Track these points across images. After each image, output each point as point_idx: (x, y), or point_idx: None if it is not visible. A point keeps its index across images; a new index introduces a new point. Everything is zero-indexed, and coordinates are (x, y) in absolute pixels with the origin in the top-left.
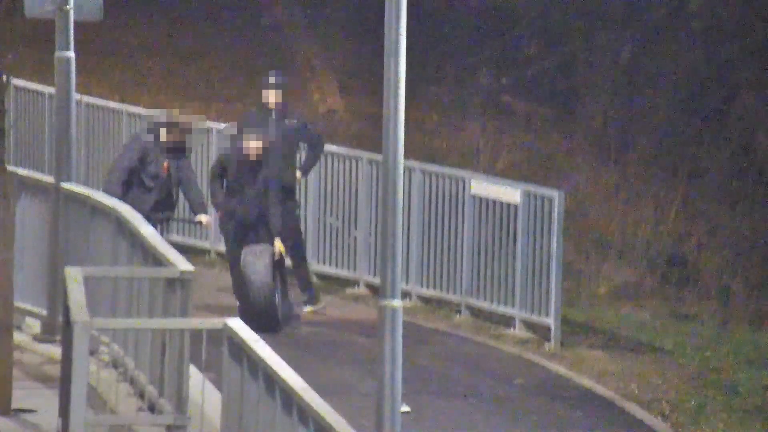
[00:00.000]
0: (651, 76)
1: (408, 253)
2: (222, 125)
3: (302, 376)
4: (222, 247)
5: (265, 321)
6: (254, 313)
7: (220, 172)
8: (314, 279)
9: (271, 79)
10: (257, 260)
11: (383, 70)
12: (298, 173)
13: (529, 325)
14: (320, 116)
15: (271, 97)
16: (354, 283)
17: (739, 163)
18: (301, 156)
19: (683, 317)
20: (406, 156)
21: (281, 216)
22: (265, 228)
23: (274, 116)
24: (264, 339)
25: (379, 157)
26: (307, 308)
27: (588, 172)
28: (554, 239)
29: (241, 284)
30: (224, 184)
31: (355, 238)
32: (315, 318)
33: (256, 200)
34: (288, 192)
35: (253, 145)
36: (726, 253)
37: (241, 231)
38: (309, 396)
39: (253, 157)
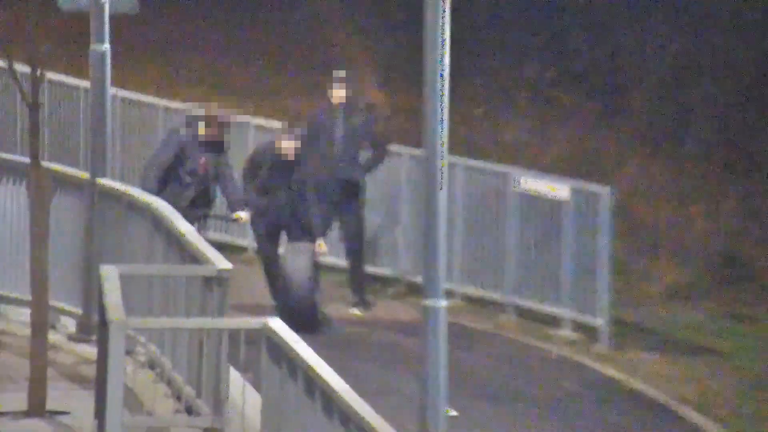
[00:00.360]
0: (703, 68)
1: (452, 251)
2: (273, 122)
3: (343, 378)
4: None
5: (303, 321)
6: (292, 312)
7: (252, 170)
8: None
9: (339, 76)
10: (297, 258)
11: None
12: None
13: (578, 326)
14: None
15: (338, 93)
16: (396, 282)
17: None
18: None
19: (741, 318)
20: (449, 151)
21: (323, 217)
22: (297, 227)
23: (340, 113)
24: (303, 340)
25: (421, 152)
26: (354, 311)
27: (638, 167)
28: (603, 236)
29: (275, 283)
30: (253, 180)
31: (397, 237)
32: (356, 318)
33: (290, 200)
34: (353, 191)
35: (287, 145)
36: None
37: (274, 230)
38: (351, 398)
39: (288, 158)
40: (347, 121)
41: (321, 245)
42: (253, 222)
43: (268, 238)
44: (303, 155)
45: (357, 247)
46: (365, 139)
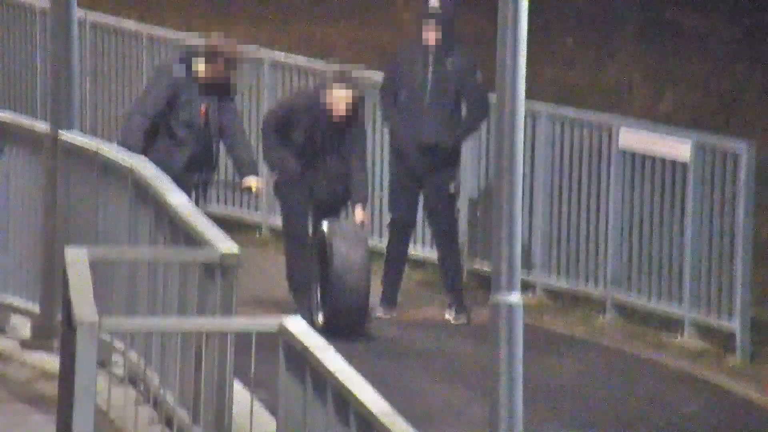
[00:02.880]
0: None
1: (531, 229)
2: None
3: (388, 397)
4: (278, 221)
5: (352, 323)
6: (340, 313)
7: (283, 129)
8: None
9: (433, 6)
10: (351, 251)
11: None
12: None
13: (704, 331)
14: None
15: (431, 34)
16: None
17: None
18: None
19: None
20: (530, 95)
21: (366, 183)
22: (343, 205)
23: (432, 55)
24: (335, 345)
25: (491, 96)
26: (450, 316)
27: None
28: (740, 210)
29: (298, 270)
30: (282, 140)
31: (458, 211)
32: (402, 317)
33: (343, 173)
34: (442, 159)
35: (339, 97)
36: None
37: (318, 210)
38: (394, 422)
39: (337, 116)
40: (439, 67)
41: (362, 213)
42: (281, 189)
43: (300, 211)
44: (360, 112)
45: (448, 232)
46: (464, 92)
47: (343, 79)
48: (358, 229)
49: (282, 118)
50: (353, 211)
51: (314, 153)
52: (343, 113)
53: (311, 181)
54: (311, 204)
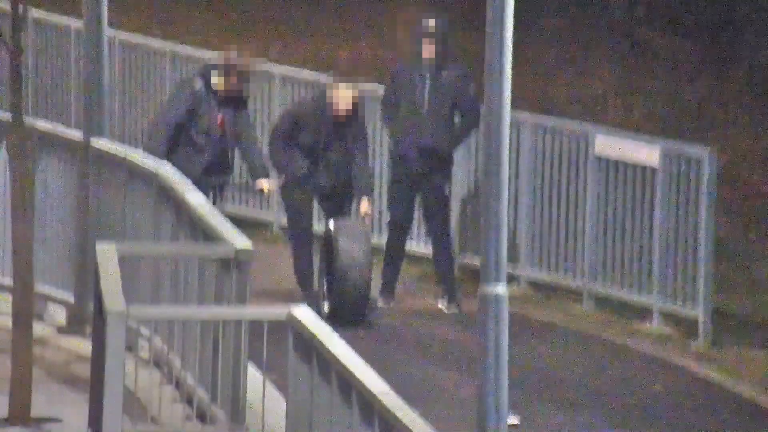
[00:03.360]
0: None
1: (516, 227)
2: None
3: (387, 379)
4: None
5: (354, 311)
6: (344, 301)
7: (291, 130)
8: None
9: (430, 26)
10: (355, 245)
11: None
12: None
13: (671, 319)
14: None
15: (429, 50)
16: None
17: None
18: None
19: None
20: (515, 106)
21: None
22: (349, 201)
23: (428, 70)
24: (339, 332)
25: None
26: (443, 306)
27: (748, 126)
28: (703, 210)
29: (304, 266)
30: (289, 144)
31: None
32: (400, 307)
33: (344, 167)
34: (438, 163)
35: (345, 95)
36: None
37: (324, 203)
38: (392, 402)
39: (342, 114)
40: (436, 79)
41: (366, 206)
42: (286, 190)
43: (304, 211)
44: (360, 112)
45: (442, 230)
46: (458, 102)
47: (347, 78)
48: (362, 227)
49: (289, 124)
50: (359, 203)
51: (319, 150)
52: (346, 111)
53: (316, 176)
54: (317, 197)
